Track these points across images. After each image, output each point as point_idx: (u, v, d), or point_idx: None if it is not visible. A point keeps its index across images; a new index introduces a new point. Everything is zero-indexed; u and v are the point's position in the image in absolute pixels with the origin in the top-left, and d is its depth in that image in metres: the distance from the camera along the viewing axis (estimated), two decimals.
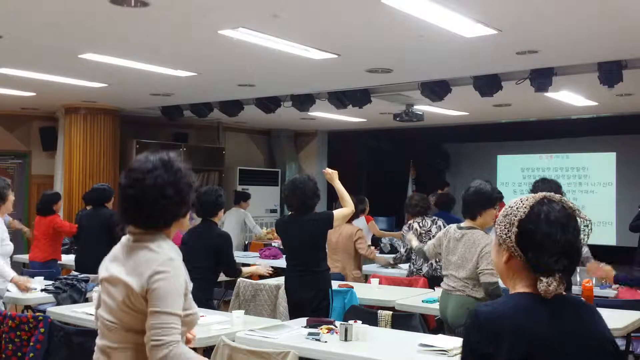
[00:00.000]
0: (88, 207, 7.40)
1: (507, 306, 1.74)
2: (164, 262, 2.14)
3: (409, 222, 6.52)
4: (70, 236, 7.14)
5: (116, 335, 2.18)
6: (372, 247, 6.87)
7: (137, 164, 2.24)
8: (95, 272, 5.93)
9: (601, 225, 13.71)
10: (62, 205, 8.98)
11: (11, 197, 4.99)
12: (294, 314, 4.69)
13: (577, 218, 1.79)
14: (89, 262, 6.21)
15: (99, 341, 2.25)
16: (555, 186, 5.50)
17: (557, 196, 1.81)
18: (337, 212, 4.77)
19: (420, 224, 6.35)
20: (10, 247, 4.95)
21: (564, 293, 1.75)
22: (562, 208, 1.78)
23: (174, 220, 2.26)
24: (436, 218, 6.45)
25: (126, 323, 2.16)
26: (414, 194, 7.17)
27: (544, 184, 5.57)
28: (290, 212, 4.94)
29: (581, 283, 4.58)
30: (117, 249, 2.29)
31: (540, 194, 1.82)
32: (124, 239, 2.28)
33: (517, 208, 1.80)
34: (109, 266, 2.26)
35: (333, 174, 4.91)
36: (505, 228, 1.78)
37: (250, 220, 9.55)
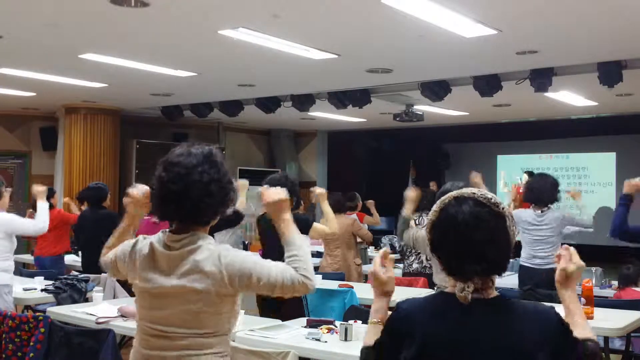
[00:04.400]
0: (82, 207, 7.47)
1: (424, 305, 1.75)
2: (221, 255, 2.07)
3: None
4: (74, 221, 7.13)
5: (171, 343, 2.09)
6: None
7: (179, 158, 2.11)
8: (98, 272, 5.86)
9: (601, 226, 13.71)
10: (58, 200, 9.00)
11: (6, 194, 5.02)
12: (265, 314, 4.64)
13: (498, 213, 1.69)
14: (91, 264, 6.25)
15: (144, 350, 2.15)
16: (550, 182, 5.56)
17: (470, 192, 1.72)
18: (316, 225, 4.70)
19: (417, 221, 6.25)
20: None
21: (490, 295, 1.69)
22: (473, 206, 1.68)
23: (214, 219, 2.15)
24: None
25: (182, 331, 2.08)
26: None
27: (540, 178, 5.64)
28: None
29: (581, 283, 4.58)
30: (154, 257, 2.13)
31: (454, 193, 1.75)
32: (159, 246, 2.13)
33: (432, 211, 1.77)
34: (152, 278, 2.12)
35: (321, 196, 4.84)
36: (427, 232, 1.77)
37: None
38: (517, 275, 5.75)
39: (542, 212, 5.50)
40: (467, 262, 1.65)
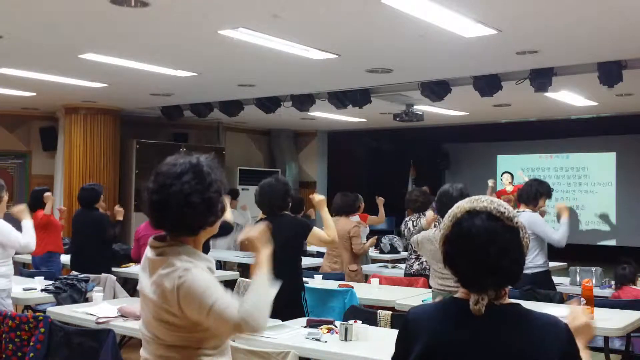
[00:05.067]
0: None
1: (433, 311, 1.76)
2: (179, 274, 2.01)
3: (406, 219, 6.43)
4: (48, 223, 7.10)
5: (153, 348, 2.11)
6: (364, 243, 6.71)
7: (165, 168, 2.10)
8: (86, 271, 5.85)
9: (601, 225, 13.71)
10: (56, 202, 9.04)
11: (5, 198, 5.02)
12: None
13: (511, 226, 1.68)
14: (79, 262, 6.33)
15: (142, 352, 2.18)
16: (535, 187, 5.58)
17: (484, 204, 1.70)
18: (316, 231, 4.59)
19: (415, 222, 6.22)
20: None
21: (502, 302, 1.68)
22: (486, 220, 1.67)
23: (200, 230, 2.12)
24: None
25: (161, 339, 2.08)
26: (414, 189, 7.06)
27: (532, 181, 5.70)
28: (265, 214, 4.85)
29: (581, 283, 4.58)
30: (145, 260, 2.17)
31: (467, 204, 1.73)
32: (149, 250, 2.15)
33: (444, 224, 1.75)
34: (140, 277, 2.17)
35: (320, 203, 4.70)
36: (440, 245, 1.76)
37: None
38: None
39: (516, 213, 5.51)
40: (482, 275, 1.65)
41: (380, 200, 8.25)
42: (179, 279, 2.00)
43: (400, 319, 4.34)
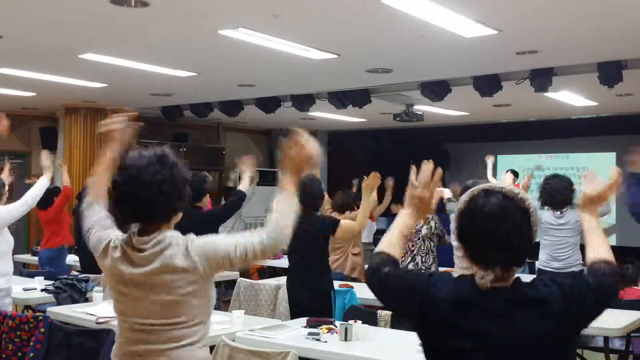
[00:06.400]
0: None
1: (448, 281, 1.84)
2: (183, 241, 2.15)
3: None
4: (70, 195, 7.27)
5: (158, 337, 2.14)
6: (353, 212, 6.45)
7: (131, 161, 2.19)
8: (97, 272, 5.88)
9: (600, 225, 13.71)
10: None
11: (4, 197, 4.99)
12: (294, 314, 4.66)
13: (524, 208, 1.76)
14: (88, 265, 6.34)
15: (135, 348, 2.19)
16: (565, 182, 5.49)
17: (500, 187, 1.80)
18: (344, 222, 4.62)
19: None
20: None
21: (508, 283, 1.74)
22: (501, 199, 1.75)
23: (172, 216, 2.22)
24: (429, 217, 6.05)
25: (179, 317, 2.14)
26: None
27: (554, 178, 5.53)
28: None
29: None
30: (127, 257, 2.18)
31: (484, 186, 1.83)
32: (129, 249, 2.17)
33: (461, 201, 1.85)
34: (127, 274, 2.17)
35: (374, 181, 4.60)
36: (455, 220, 1.85)
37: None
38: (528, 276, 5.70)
39: (561, 212, 5.42)
40: (491, 251, 1.72)
41: (390, 182, 7.72)
42: (192, 248, 2.12)
43: (402, 319, 4.37)
